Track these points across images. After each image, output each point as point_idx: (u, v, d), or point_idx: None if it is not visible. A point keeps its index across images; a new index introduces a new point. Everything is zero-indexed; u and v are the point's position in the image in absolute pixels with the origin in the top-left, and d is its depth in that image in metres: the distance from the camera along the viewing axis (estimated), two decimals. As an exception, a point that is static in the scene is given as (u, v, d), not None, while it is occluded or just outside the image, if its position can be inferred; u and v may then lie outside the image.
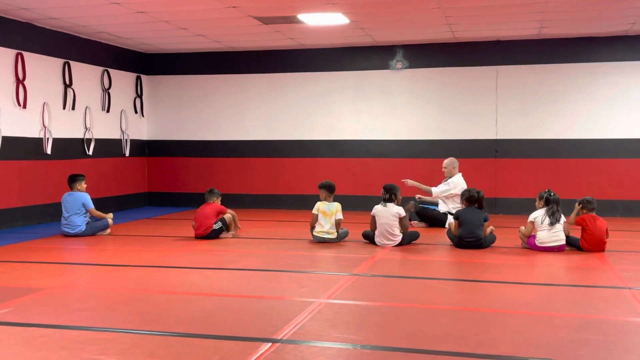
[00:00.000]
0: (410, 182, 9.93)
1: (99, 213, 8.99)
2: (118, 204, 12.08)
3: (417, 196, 10.10)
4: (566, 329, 4.44)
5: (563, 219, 7.54)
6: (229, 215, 8.75)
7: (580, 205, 7.70)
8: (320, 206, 8.23)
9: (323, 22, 9.90)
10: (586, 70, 11.19)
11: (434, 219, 9.73)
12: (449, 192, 9.41)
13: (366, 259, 7.13)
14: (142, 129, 13.04)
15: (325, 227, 8.13)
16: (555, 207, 7.48)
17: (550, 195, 7.56)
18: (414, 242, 8.14)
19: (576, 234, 7.70)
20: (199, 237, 8.56)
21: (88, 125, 11.22)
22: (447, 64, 11.72)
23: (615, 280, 6.03)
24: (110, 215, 9.20)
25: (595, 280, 6.19)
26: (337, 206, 8.20)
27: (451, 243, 7.98)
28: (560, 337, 4.24)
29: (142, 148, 13.05)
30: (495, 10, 9.21)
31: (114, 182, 12.09)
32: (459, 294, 5.70)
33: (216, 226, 8.55)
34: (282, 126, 12.52)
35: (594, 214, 7.60)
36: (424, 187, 9.89)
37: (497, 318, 4.77)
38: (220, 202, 9.03)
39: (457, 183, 9.54)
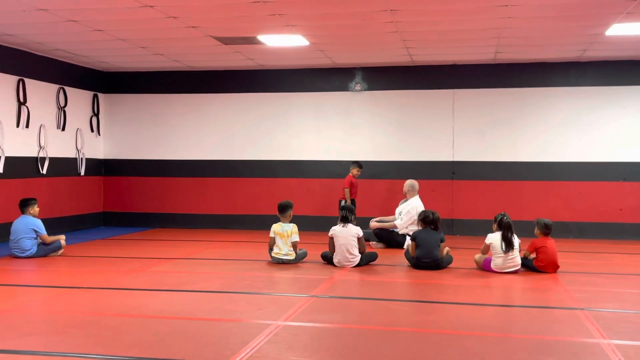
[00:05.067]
0: (374, 224, 9.96)
1: (51, 239, 8.75)
2: (72, 223, 11.82)
3: (371, 221, 10.14)
4: (522, 350, 4.49)
5: (517, 242, 7.64)
6: None
7: (537, 227, 7.83)
8: (275, 228, 8.18)
9: (283, 44, 9.94)
10: (540, 94, 11.48)
11: (392, 240, 9.77)
12: (413, 218, 9.44)
13: (324, 280, 7.11)
14: (98, 148, 12.83)
15: (283, 250, 8.09)
16: (507, 233, 7.56)
17: (503, 218, 7.66)
18: (372, 263, 8.17)
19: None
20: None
21: (42, 144, 10.98)
22: (405, 87, 11.88)
23: (568, 301, 6.14)
24: (62, 236, 8.97)
25: (549, 301, 6.29)
26: (292, 228, 8.17)
27: (409, 264, 8.02)
28: (517, 358, 4.29)
29: (98, 167, 12.83)
30: (452, 36, 9.39)
31: (69, 202, 11.84)
32: (417, 315, 5.71)
33: None
34: (241, 146, 12.47)
35: (548, 237, 7.74)
36: (388, 223, 9.92)
37: (454, 340, 4.79)
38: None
39: (415, 206, 9.62)
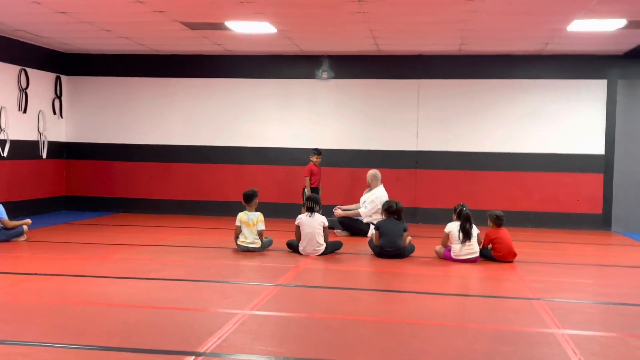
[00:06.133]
0: (339, 211, 10.08)
1: (13, 223, 8.64)
2: (33, 207, 11.65)
3: (335, 208, 10.25)
4: (480, 340, 4.65)
5: (476, 231, 7.84)
6: None
7: (489, 220, 8.04)
8: (241, 217, 8.23)
9: (250, 31, 9.92)
10: (503, 86, 11.70)
11: (357, 229, 9.91)
12: (377, 207, 9.59)
13: (290, 268, 7.20)
14: (61, 131, 12.64)
15: (249, 238, 8.15)
16: (466, 224, 7.75)
17: (462, 209, 7.85)
18: (337, 251, 8.29)
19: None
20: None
21: (3, 126, 10.78)
22: (372, 76, 11.98)
23: (525, 291, 6.35)
24: (28, 221, 8.86)
25: (507, 291, 6.50)
26: (258, 216, 8.23)
27: (372, 253, 8.17)
28: (474, 348, 4.44)
29: (61, 150, 12.65)
30: (418, 26, 9.50)
31: (30, 185, 11.67)
32: (380, 304, 5.85)
33: None
34: (207, 132, 12.44)
35: (501, 228, 7.96)
36: (352, 211, 10.06)
37: (415, 329, 4.94)
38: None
39: (379, 195, 9.77)
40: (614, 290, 6.51)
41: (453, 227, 7.83)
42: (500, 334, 4.82)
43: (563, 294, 6.26)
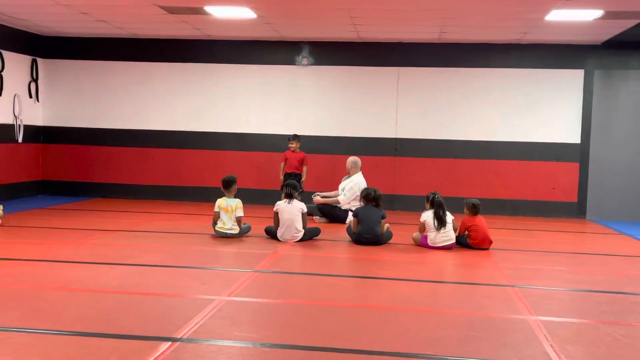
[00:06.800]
0: (318, 198, 10.11)
1: None
2: (9, 192, 11.53)
3: (314, 195, 10.27)
4: (454, 325, 4.72)
5: (450, 217, 7.93)
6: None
7: (465, 207, 8.13)
8: (220, 203, 8.23)
9: (230, 15, 9.86)
10: (481, 75, 11.77)
11: (335, 216, 9.95)
12: (355, 194, 9.64)
13: (268, 255, 7.22)
14: (37, 115, 12.49)
15: (227, 225, 8.15)
16: (439, 211, 7.83)
17: (435, 197, 7.93)
18: (315, 238, 8.32)
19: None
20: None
21: (-23, 109, 10.66)
22: (351, 63, 11.98)
23: (499, 278, 6.44)
24: (0, 206, 8.79)
25: (481, 278, 6.58)
26: (237, 203, 8.23)
27: (350, 239, 8.22)
28: (448, 334, 4.51)
29: (37, 134, 12.50)
30: (398, 14, 9.51)
31: (6, 170, 11.52)
32: (357, 290, 5.90)
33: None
34: (186, 117, 12.37)
35: (477, 215, 8.05)
36: (332, 199, 10.09)
37: (391, 315, 4.99)
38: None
39: (358, 183, 9.82)
40: (587, 278, 6.63)
41: (428, 216, 7.90)
42: (474, 320, 4.89)
43: (537, 281, 6.36)
